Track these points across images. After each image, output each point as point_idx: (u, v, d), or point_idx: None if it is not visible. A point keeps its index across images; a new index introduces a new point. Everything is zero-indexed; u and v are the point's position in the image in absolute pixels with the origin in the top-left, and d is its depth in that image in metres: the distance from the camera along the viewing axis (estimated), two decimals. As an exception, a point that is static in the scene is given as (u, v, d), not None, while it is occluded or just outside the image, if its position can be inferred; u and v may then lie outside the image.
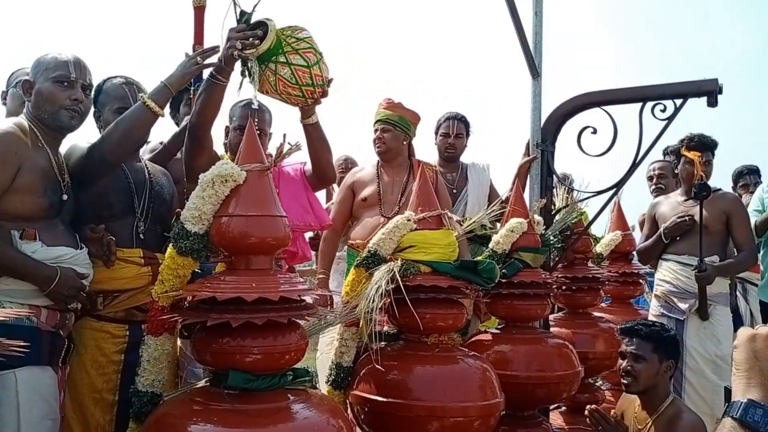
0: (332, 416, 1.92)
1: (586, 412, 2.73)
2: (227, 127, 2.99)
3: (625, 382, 2.75)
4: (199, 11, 2.41)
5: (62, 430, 2.29)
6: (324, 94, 2.52)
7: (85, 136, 2.49)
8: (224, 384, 1.83)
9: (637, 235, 4.51)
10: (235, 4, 2.33)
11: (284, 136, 1.99)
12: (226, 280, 1.85)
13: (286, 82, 2.33)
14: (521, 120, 3.76)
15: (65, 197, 2.25)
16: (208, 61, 2.42)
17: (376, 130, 3.64)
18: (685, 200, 3.87)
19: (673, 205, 3.93)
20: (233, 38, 2.30)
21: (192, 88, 2.74)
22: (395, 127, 3.61)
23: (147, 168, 2.63)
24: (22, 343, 1.52)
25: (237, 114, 2.89)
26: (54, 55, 2.28)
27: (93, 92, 2.44)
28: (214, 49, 2.43)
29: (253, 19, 2.34)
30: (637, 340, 2.73)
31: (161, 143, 2.99)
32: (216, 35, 2.36)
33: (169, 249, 1.94)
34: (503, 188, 4.00)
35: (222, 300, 1.77)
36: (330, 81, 2.50)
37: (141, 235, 2.49)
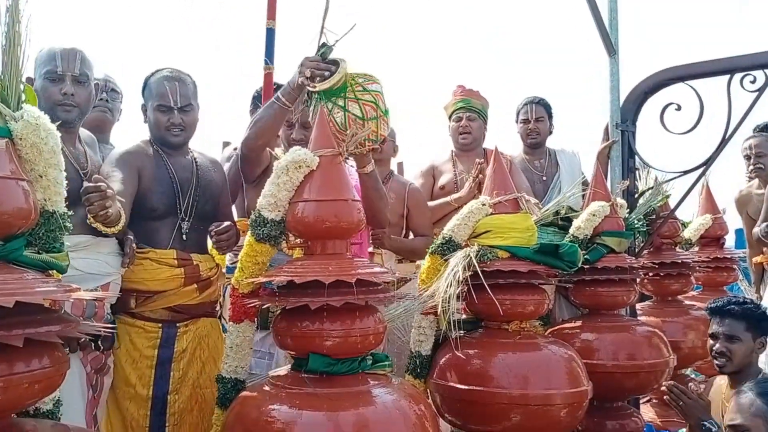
0: (414, 402, 1.89)
1: (664, 387, 2.59)
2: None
3: (718, 363, 2.61)
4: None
5: (104, 424, 2.36)
6: (374, 150, 2.49)
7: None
8: (305, 368, 1.84)
9: (729, 219, 4.25)
10: (322, 33, 2.31)
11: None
12: (303, 265, 1.86)
13: (336, 126, 2.25)
14: (596, 103, 3.62)
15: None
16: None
17: (459, 119, 3.57)
18: None
19: None
20: (305, 65, 2.29)
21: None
22: (479, 115, 3.55)
23: (196, 163, 2.62)
24: (110, 325, 1.57)
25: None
26: (47, 49, 2.19)
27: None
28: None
29: (332, 56, 2.32)
30: (729, 320, 2.60)
31: (235, 149, 3.03)
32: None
33: (248, 236, 1.97)
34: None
35: (300, 284, 1.78)
36: (384, 140, 2.46)
37: (183, 235, 2.51)
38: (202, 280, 2.53)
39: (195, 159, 2.63)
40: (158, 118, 2.51)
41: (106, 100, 2.97)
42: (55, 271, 1.42)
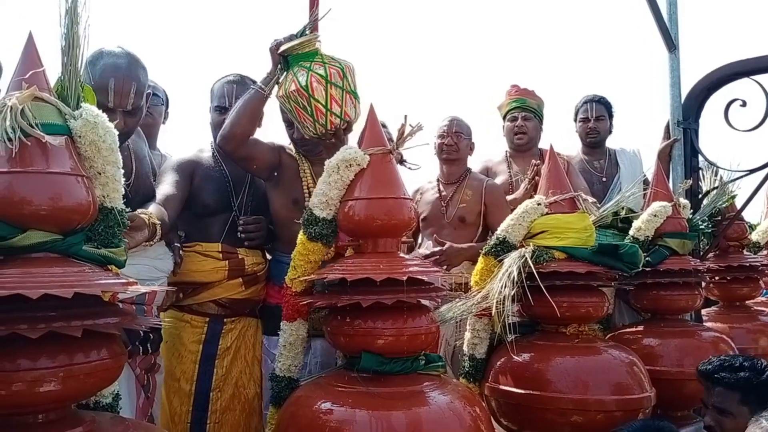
0: (468, 403, 1.86)
1: None
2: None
3: None
4: None
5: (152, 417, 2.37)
6: (336, 129, 2.26)
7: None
8: (357, 367, 1.83)
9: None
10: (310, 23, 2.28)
11: (405, 117, 1.96)
12: (354, 263, 1.86)
13: (299, 87, 2.18)
14: (657, 100, 3.50)
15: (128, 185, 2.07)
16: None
17: (514, 119, 3.51)
18: None
19: None
20: (280, 39, 2.28)
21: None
22: (535, 114, 3.48)
23: None
24: (161, 321, 1.59)
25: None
26: (102, 67, 2.01)
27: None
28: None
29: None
30: (720, 389, 2.08)
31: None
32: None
33: (300, 235, 1.98)
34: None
35: (352, 282, 1.77)
36: (349, 123, 2.27)
37: (239, 232, 2.53)
38: (247, 274, 2.55)
39: None
40: (215, 118, 2.59)
41: (147, 106, 3.00)
42: (113, 266, 1.45)
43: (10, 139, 1.22)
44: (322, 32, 2.32)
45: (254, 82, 2.58)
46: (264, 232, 2.59)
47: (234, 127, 2.33)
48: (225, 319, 2.53)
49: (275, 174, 2.56)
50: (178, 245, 2.40)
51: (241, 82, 2.59)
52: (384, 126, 3.31)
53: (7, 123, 1.22)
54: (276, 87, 2.34)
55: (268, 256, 2.72)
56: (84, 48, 1.38)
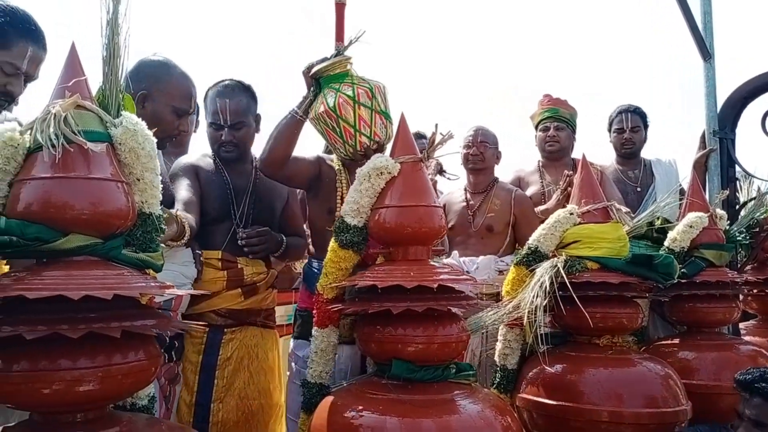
0: (500, 413, 1.84)
1: None
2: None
3: None
4: (340, 8, 2.39)
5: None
6: (366, 150, 2.21)
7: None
8: (388, 374, 1.83)
9: None
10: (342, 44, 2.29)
11: (436, 126, 1.97)
12: (385, 270, 1.86)
13: (327, 109, 2.19)
14: (692, 110, 3.45)
15: None
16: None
17: (546, 128, 3.49)
18: None
19: None
20: (312, 62, 2.28)
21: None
22: (568, 124, 3.46)
23: (256, 170, 2.63)
24: (201, 324, 1.62)
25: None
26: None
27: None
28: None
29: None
30: (758, 401, 1.96)
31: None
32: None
33: (331, 242, 1.99)
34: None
35: (382, 289, 1.78)
36: (379, 143, 2.22)
37: (242, 244, 2.50)
38: (246, 284, 2.53)
39: (256, 166, 2.65)
40: (211, 134, 2.59)
41: None
42: (150, 270, 1.48)
43: (53, 146, 1.26)
44: (353, 51, 2.32)
45: (249, 87, 2.61)
46: (268, 244, 2.56)
47: (272, 152, 2.34)
48: (225, 329, 2.49)
49: (315, 184, 2.55)
50: (199, 252, 2.41)
51: (232, 95, 2.55)
52: (423, 136, 3.33)
53: (51, 130, 1.27)
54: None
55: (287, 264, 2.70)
56: (124, 57, 1.42)
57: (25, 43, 1.81)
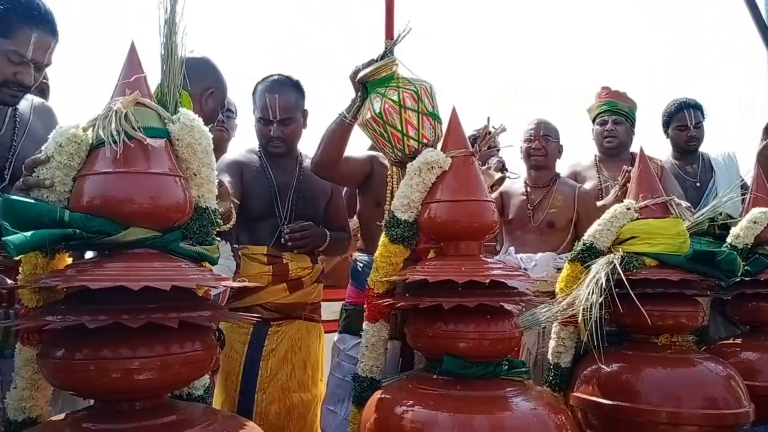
0: (553, 411, 1.81)
1: None
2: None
3: None
4: (389, 1, 2.35)
5: None
6: (415, 153, 2.07)
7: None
8: (439, 369, 1.82)
9: None
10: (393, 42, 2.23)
11: (488, 119, 1.95)
12: (436, 265, 1.85)
13: (374, 115, 2.15)
14: (755, 102, 3.31)
15: None
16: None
17: (604, 122, 3.40)
18: None
19: None
20: (358, 66, 2.24)
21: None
22: (627, 118, 3.36)
23: (301, 167, 2.67)
24: (255, 315, 1.64)
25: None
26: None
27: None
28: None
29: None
30: None
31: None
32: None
33: (382, 237, 2.00)
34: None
35: (434, 284, 1.77)
36: (428, 145, 2.10)
37: (285, 240, 2.53)
38: (291, 279, 2.56)
39: (301, 163, 2.69)
40: (260, 129, 2.63)
41: (222, 121, 3.11)
42: (206, 263, 1.51)
43: (115, 141, 1.30)
44: (403, 51, 2.30)
45: (297, 82, 2.63)
46: (312, 238, 2.59)
47: (323, 156, 2.35)
48: (271, 322, 2.54)
49: (367, 181, 2.56)
50: (237, 246, 2.46)
51: (280, 91, 2.57)
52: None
53: (113, 126, 1.31)
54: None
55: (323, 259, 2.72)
56: (182, 55, 1.45)
57: (29, 29, 1.72)
